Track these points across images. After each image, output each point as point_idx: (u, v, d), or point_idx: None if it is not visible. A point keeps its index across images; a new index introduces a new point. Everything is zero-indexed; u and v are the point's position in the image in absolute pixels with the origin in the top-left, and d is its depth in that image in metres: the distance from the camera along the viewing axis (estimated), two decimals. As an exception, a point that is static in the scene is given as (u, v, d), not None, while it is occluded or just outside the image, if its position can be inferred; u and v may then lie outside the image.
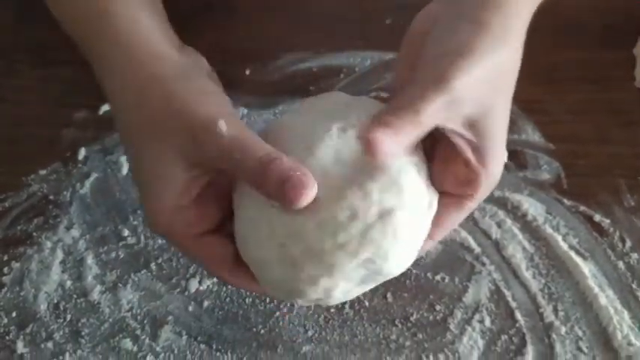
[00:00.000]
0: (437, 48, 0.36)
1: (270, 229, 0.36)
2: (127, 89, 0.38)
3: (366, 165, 0.36)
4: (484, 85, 0.35)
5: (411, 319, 0.48)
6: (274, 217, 0.36)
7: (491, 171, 0.38)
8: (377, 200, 0.35)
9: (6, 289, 0.50)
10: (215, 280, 0.50)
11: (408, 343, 0.47)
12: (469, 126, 0.36)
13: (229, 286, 0.50)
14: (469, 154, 0.37)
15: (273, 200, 0.35)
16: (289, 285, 0.37)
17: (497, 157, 0.38)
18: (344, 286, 0.38)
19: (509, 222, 0.52)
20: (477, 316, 0.48)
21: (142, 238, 0.52)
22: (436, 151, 0.39)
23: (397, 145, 0.34)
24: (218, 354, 0.47)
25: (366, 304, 0.49)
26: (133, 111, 0.38)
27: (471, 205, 0.40)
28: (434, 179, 0.40)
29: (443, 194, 0.40)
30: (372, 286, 0.40)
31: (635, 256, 0.50)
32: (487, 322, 0.48)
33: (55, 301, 0.49)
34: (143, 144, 0.37)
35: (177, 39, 0.41)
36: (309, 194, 0.33)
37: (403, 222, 0.36)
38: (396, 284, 0.49)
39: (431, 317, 0.48)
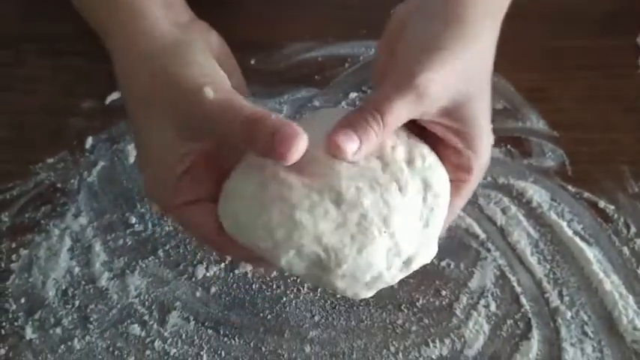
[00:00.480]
0: (407, 45, 0.38)
1: (258, 174, 0.37)
2: (124, 66, 0.40)
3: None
4: (458, 77, 0.37)
5: (417, 304, 0.49)
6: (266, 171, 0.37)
7: (480, 154, 0.40)
8: (355, 220, 0.36)
9: (14, 275, 0.50)
10: (222, 266, 0.50)
11: (414, 328, 0.48)
12: (448, 114, 0.38)
13: (236, 272, 0.50)
14: (454, 140, 0.39)
15: (264, 156, 0.34)
16: (248, 221, 0.37)
17: (484, 140, 0.40)
18: (289, 258, 0.37)
19: (514, 209, 0.53)
20: (482, 302, 0.49)
21: (150, 225, 0.52)
22: (427, 141, 0.40)
23: (358, 145, 0.35)
24: (225, 339, 0.47)
25: (373, 289, 0.49)
26: (128, 87, 0.40)
27: (468, 188, 0.42)
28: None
29: None
30: (318, 282, 0.39)
31: (639, 241, 0.51)
32: (493, 307, 0.48)
33: (64, 287, 0.50)
34: (140, 115, 0.39)
35: (184, 15, 0.43)
36: (299, 146, 0.33)
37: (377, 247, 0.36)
38: (402, 270, 0.49)
39: (437, 302, 0.49)
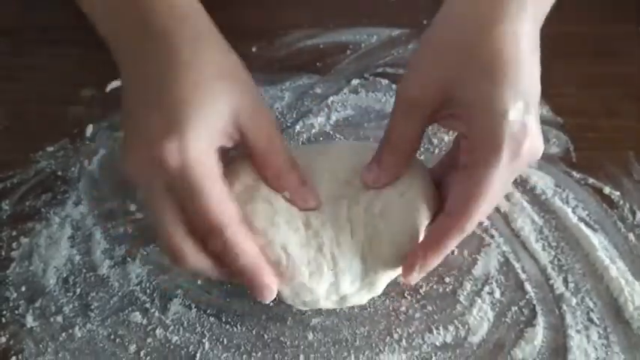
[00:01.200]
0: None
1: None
2: (192, 41, 0.39)
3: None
4: (435, 70, 0.39)
5: (421, 291, 0.48)
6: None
7: (484, 134, 0.37)
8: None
9: (15, 263, 0.50)
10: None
11: (417, 315, 0.47)
12: (450, 102, 0.39)
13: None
14: (460, 127, 0.40)
15: (290, 195, 0.42)
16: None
17: (490, 121, 0.37)
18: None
19: (518, 195, 0.52)
20: (486, 288, 0.48)
21: (151, 212, 0.52)
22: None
23: (377, 173, 0.42)
24: (227, 326, 0.47)
25: (376, 276, 0.49)
26: (198, 51, 0.39)
27: (476, 174, 0.38)
28: (457, 160, 0.41)
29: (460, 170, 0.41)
30: None
31: (645, 227, 0.50)
32: (497, 293, 0.48)
33: (64, 275, 0.49)
34: (205, 85, 0.38)
35: None
36: (316, 203, 0.43)
37: None
38: (405, 257, 0.48)
39: (440, 289, 0.48)
